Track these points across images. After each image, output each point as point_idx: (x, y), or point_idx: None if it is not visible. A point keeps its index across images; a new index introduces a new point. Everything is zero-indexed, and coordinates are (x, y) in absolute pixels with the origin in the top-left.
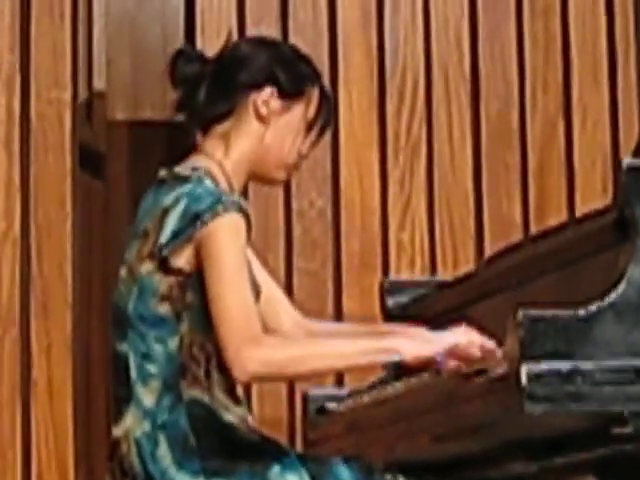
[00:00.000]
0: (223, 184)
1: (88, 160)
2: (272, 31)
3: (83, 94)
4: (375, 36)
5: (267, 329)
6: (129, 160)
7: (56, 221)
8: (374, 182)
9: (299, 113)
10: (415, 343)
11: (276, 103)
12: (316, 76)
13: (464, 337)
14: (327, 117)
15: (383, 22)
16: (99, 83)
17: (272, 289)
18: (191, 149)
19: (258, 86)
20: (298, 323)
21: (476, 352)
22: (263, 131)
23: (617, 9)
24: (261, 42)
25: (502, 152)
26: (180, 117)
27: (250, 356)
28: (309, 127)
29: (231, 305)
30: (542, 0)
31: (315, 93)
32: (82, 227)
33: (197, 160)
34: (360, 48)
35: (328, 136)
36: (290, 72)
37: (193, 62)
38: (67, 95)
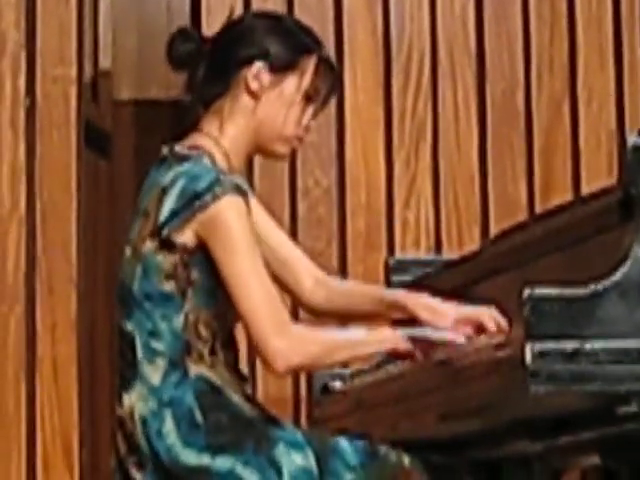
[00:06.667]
0: (221, 162)
1: (93, 139)
2: (277, 9)
3: (89, 72)
4: (381, 14)
5: (289, 291)
6: (135, 139)
7: (61, 200)
8: (379, 161)
9: (292, 85)
10: (397, 336)
11: (266, 77)
12: (313, 46)
13: (487, 311)
14: (329, 86)
15: (389, 0)
16: (105, 62)
17: (290, 249)
18: (193, 126)
19: (249, 61)
20: (318, 281)
21: (492, 327)
22: (254, 105)
23: None
24: (259, 16)
25: (507, 132)
26: (186, 97)
27: (283, 351)
28: (307, 98)
29: (257, 300)
30: None
31: (311, 63)
32: (87, 206)
33: (195, 139)
34: (365, 26)
35: (333, 114)
36: (282, 45)
37: (191, 41)
38: (73, 72)
